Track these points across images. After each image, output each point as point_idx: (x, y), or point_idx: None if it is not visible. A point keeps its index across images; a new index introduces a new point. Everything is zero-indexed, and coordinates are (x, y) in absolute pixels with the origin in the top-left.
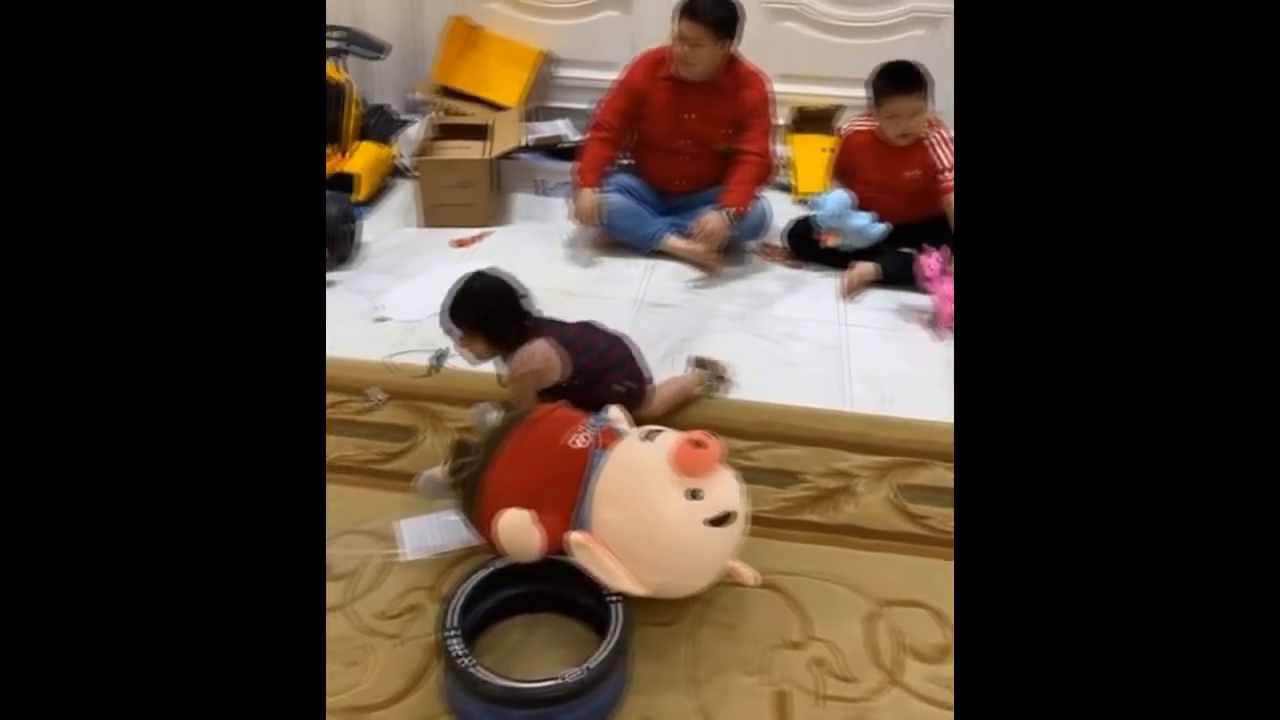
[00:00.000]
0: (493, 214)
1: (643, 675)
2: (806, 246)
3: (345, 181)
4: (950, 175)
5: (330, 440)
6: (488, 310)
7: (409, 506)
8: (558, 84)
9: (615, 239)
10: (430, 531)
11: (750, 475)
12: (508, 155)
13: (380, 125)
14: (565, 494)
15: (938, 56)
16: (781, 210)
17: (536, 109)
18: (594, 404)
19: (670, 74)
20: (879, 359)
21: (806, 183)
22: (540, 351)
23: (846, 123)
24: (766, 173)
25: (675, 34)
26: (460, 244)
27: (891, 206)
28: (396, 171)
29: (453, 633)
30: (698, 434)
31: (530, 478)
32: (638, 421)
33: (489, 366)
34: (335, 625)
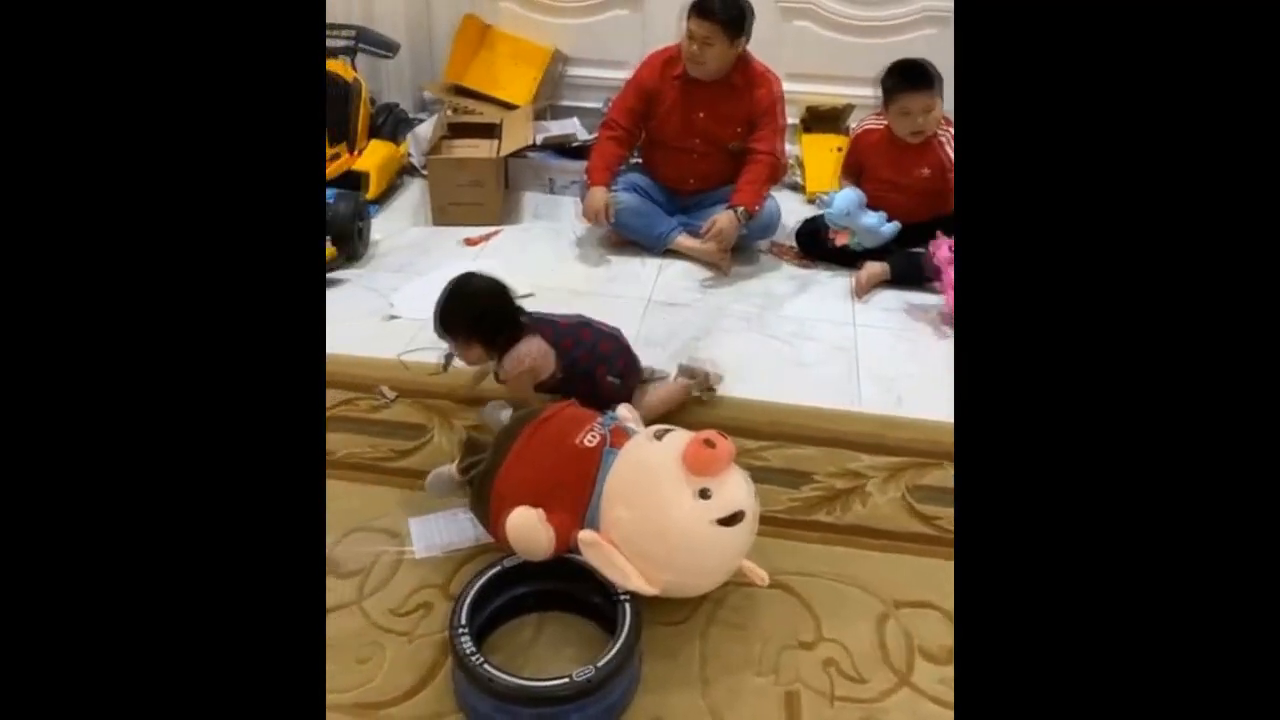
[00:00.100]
0: (503, 213)
1: (652, 674)
2: (817, 246)
3: (356, 180)
4: None
5: (341, 438)
6: (480, 314)
7: (419, 504)
8: (568, 83)
9: (625, 238)
10: (440, 529)
11: (761, 475)
12: (518, 154)
13: (391, 124)
14: (575, 493)
15: (948, 55)
16: (792, 210)
17: (547, 108)
18: (585, 396)
19: (681, 73)
20: (889, 359)
21: (817, 182)
22: (534, 349)
23: (857, 122)
24: (777, 172)
25: (686, 32)
26: (470, 242)
27: (902, 205)
28: (407, 170)
29: (463, 630)
30: (708, 433)
31: (540, 476)
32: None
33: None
34: (346, 622)
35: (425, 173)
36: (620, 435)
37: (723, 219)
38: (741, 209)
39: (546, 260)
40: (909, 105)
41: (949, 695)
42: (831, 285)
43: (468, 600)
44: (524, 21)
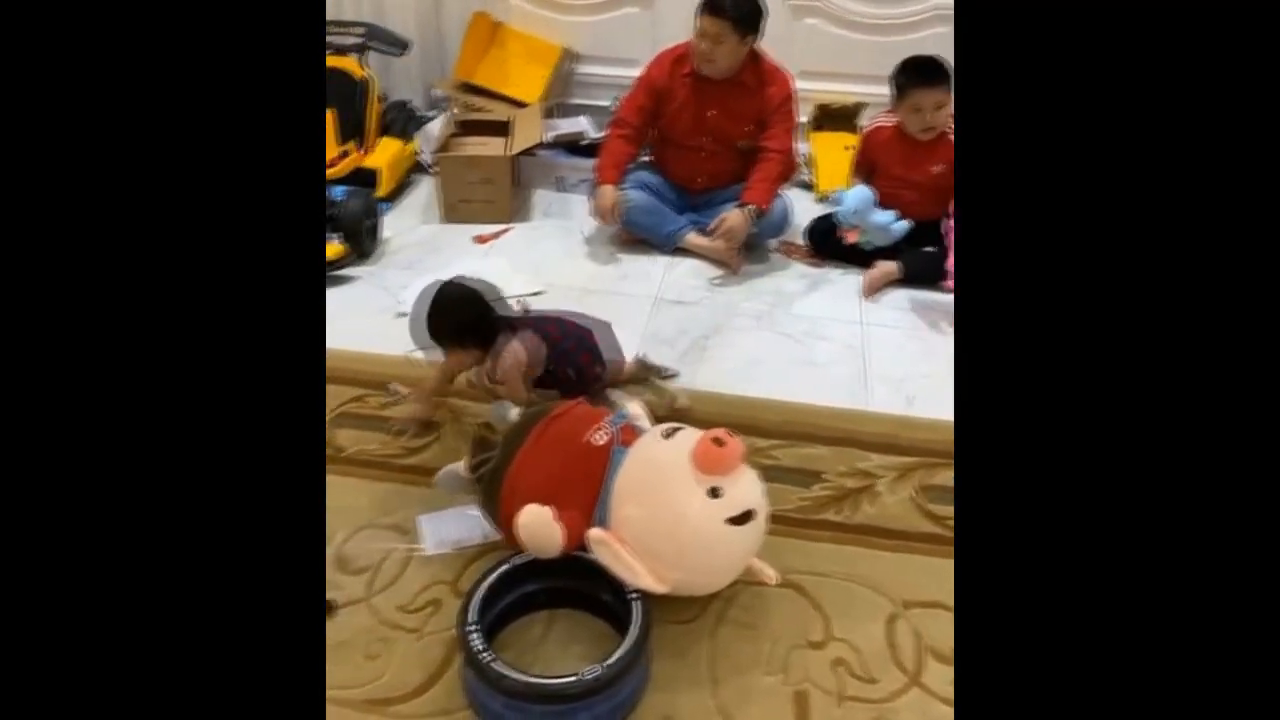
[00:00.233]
0: (513, 210)
1: (662, 673)
2: (828, 244)
3: (367, 177)
4: None
5: (352, 434)
6: (467, 320)
7: (429, 501)
8: (579, 80)
9: (635, 236)
10: (450, 526)
11: (771, 474)
12: (528, 152)
13: (401, 121)
14: (586, 491)
15: None
16: (803, 208)
17: (557, 105)
18: (566, 385)
19: (692, 71)
20: (900, 359)
21: (828, 181)
22: (528, 343)
23: (868, 120)
24: (788, 170)
25: (697, 30)
26: (481, 240)
27: (915, 202)
28: (418, 167)
29: (473, 627)
30: (719, 432)
31: (550, 474)
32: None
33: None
34: (356, 618)
35: (435, 170)
36: (630, 433)
37: (732, 216)
38: (752, 207)
39: (556, 258)
40: (921, 101)
41: None
42: (842, 284)
43: (478, 597)
44: (534, 19)
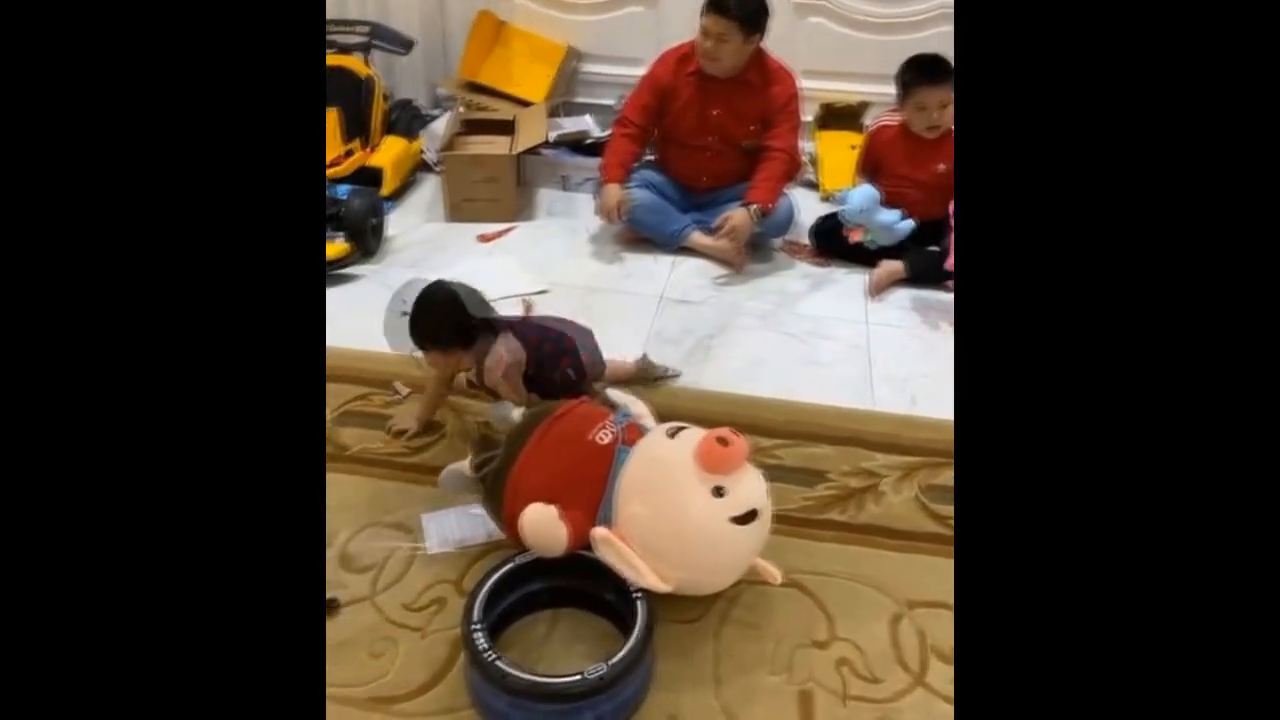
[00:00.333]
0: (518, 209)
1: (666, 672)
2: (833, 243)
3: (371, 175)
4: None
5: (355, 433)
6: (460, 321)
7: (433, 500)
8: (583, 79)
9: (640, 235)
10: (454, 525)
11: (775, 473)
12: (533, 151)
13: (406, 120)
14: (590, 489)
15: None
16: (807, 208)
17: (562, 104)
18: (545, 388)
19: (696, 69)
20: (904, 358)
21: (832, 180)
22: (513, 344)
23: (873, 119)
24: (793, 169)
25: (702, 29)
26: (485, 239)
27: (920, 201)
28: (422, 166)
29: (477, 626)
30: (723, 431)
31: (554, 473)
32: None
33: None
34: (360, 616)
35: (440, 169)
36: (634, 432)
37: (736, 215)
38: (756, 206)
39: (560, 257)
40: (926, 100)
41: None
42: (847, 283)
43: (482, 596)
44: (538, 18)
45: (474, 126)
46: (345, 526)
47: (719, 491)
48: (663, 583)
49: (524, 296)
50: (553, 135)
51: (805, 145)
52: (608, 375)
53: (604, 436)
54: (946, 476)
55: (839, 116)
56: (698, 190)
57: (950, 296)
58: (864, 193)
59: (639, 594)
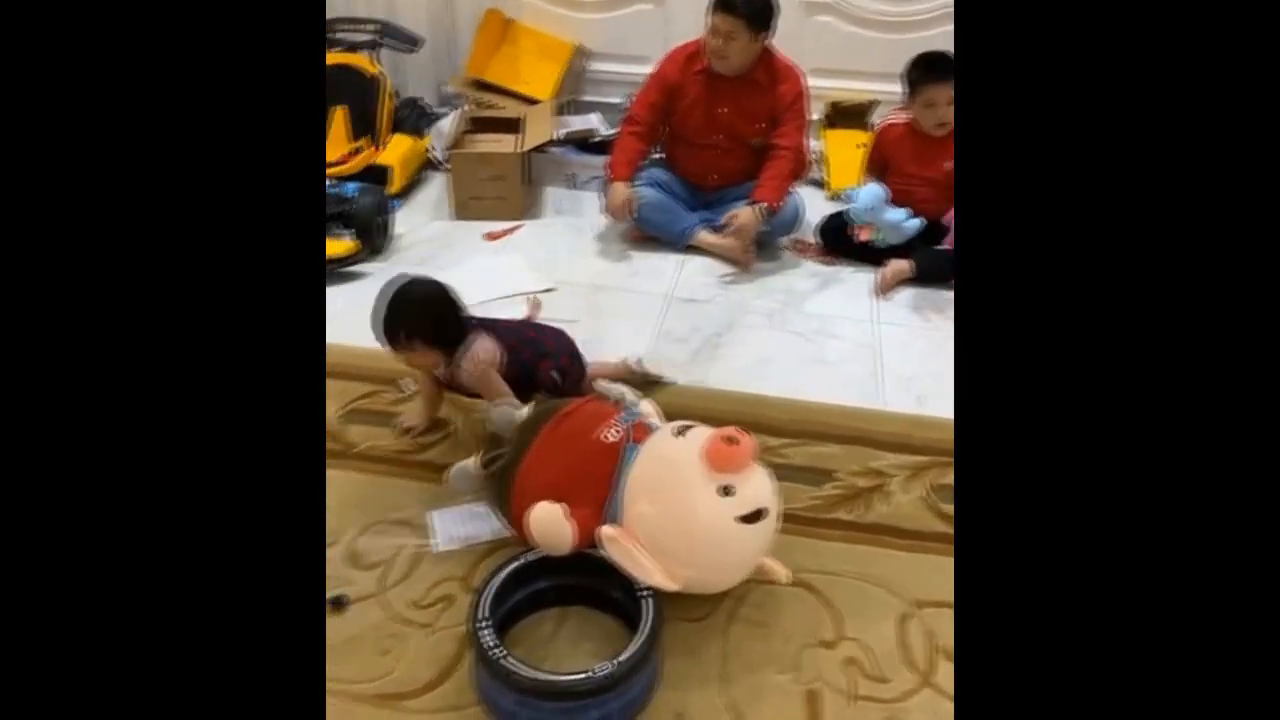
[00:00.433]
0: (525, 207)
1: (673, 671)
2: (840, 242)
3: (379, 174)
4: None
5: (363, 430)
6: (436, 318)
7: (441, 498)
8: (590, 78)
9: (647, 233)
10: (461, 522)
11: (783, 472)
12: (540, 149)
13: (413, 118)
14: (597, 487)
15: None
16: (815, 206)
17: (569, 103)
18: (529, 389)
19: (704, 68)
20: (912, 357)
21: (840, 179)
22: (488, 344)
23: (880, 117)
24: (800, 168)
25: (709, 27)
26: (492, 237)
27: (929, 199)
28: (429, 164)
29: (484, 624)
30: (730, 430)
31: (562, 471)
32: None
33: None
34: (368, 613)
35: (447, 167)
36: (641, 430)
37: (743, 214)
38: (763, 205)
39: (567, 255)
40: (934, 97)
41: None
42: (854, 282)
43: (489, 594)
44: (546, 16)
45: (481, 124)
46: (353, 523)
47: (727, 490)
48: (670, 581)
49: (531, 294)
50: (560, 133)
51: (813, 144)
52: (590, 376)
53: (611, 434)
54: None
55: (846, 115)
56: (705, 189)
57: None
58: (871, 191)
59: (646, 592)
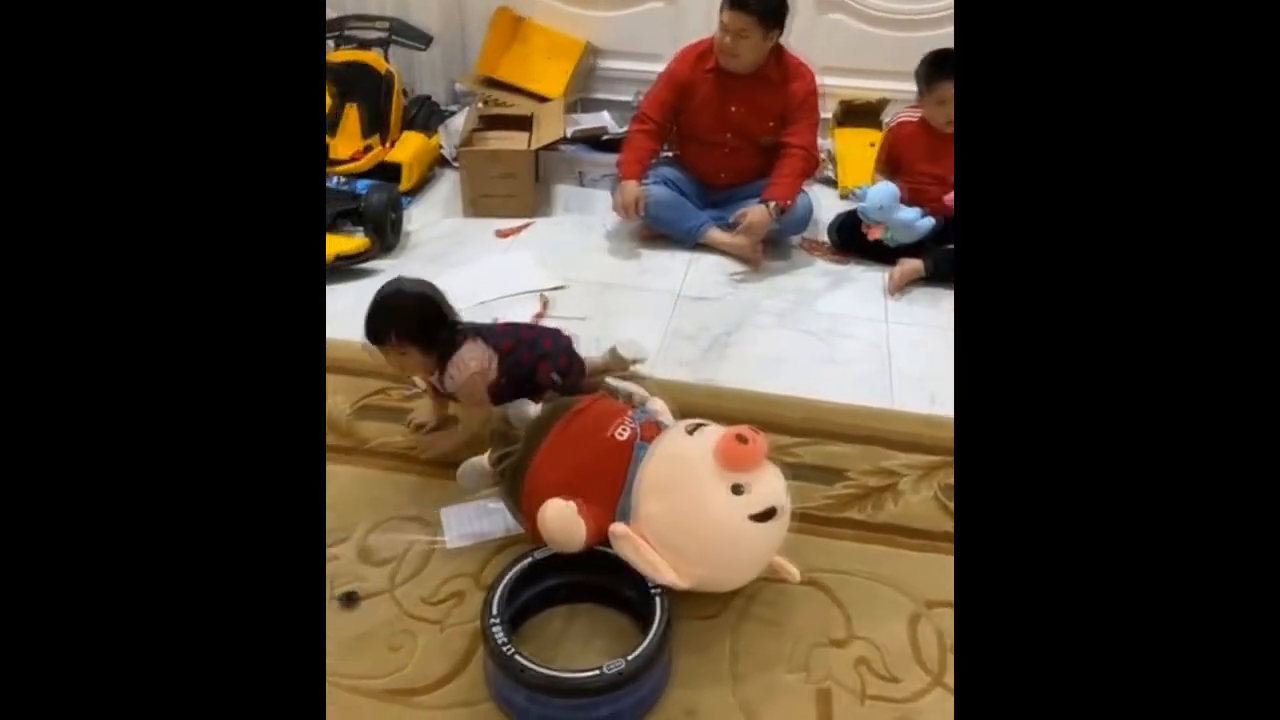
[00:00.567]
0: (535, 205)
1: (684, 669)
2: (851, 241)
3: (390, 171)
4: None
5: (374, 426)
6: (422, 321)
7: (451, 494)
8: (601, 75)
9: (657, 231)
10: (472, 519)
11: (795, 471)
12: (550, 146)
13: (425, 115)
14: (608, 486)
15: None
16: (826, 205)
17: (580, 100)
18: (531, 391)
19: (715, 66)
20: (923, 357)
21: (851, 177)
22: (478, 351)
23: (892, 115)
24: (811, 166)
25: (721, 25)
26: (502, 234)
27: (940, 198)
28: (441, 161)
29: (496, 621)
30: (742, 428)
31: (573, 468)
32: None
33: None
34: (379, 609)
35: (458, 164)
36: (652, 428)
37: (754, 212)
38: (774, 203)
39: (577, 253)
40: (946, 94)
41: None
42: (866, 281)
43: (500, 590)
44: (557, 14)
45: (492, 122)
46: (364, 520)
47: (738, 489)
48: (681, 579)
49: (541, 292)
50: (570, 131)
51: (824, 142)
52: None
53: (623, 432)
54: None
55: (858, 113)
56: (716, 187)
57: None
58: (883, 190)
59: (658, 590)
